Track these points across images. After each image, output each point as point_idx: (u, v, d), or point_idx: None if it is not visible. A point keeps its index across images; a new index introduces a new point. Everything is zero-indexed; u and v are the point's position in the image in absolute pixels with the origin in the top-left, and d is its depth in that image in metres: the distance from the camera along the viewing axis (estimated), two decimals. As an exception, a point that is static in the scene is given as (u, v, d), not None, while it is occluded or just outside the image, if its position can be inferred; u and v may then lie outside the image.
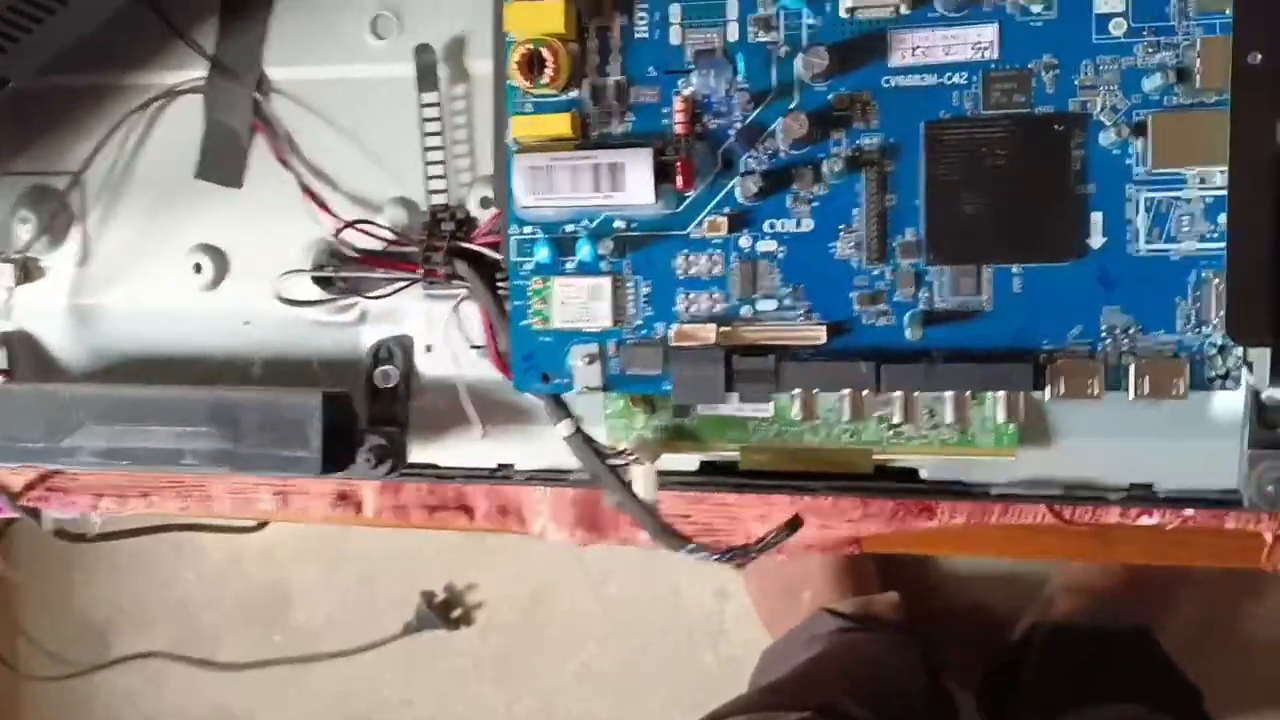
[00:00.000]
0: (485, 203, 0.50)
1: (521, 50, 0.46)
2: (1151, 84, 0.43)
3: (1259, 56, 0.40)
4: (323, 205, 0.50)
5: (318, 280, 0.50)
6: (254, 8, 0.51)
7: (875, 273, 0.45)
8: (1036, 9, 0.44)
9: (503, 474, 0.54)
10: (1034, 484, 0.49)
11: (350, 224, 0.49)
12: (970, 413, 0.46)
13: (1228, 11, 0.42)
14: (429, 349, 0.51)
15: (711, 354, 0.45)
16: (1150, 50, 0.43)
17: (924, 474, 0.51)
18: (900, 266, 0.45)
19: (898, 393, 0.44)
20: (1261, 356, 0.42)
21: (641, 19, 0.47)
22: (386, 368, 0.52)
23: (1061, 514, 0.51)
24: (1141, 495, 0.48)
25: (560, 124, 0.46)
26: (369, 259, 0.50)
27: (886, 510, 0.52)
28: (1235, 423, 0.45)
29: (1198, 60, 0.42)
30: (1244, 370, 0.43)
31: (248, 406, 0.49)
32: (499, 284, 0.49)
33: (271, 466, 0.49)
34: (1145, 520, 0.50)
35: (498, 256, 0.48)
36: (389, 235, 0.50)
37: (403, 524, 0.58)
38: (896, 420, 0.45)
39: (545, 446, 0.53)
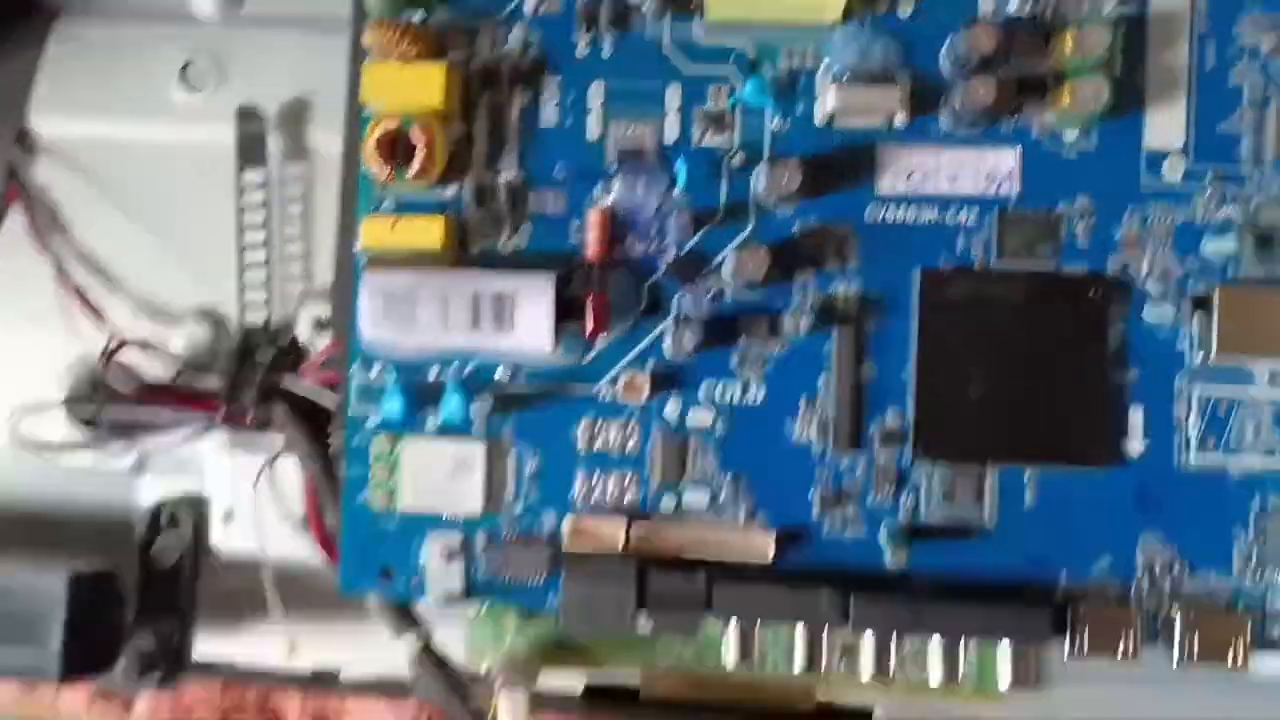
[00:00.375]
0: (320, 326, 0.37)
1: (383, 128, 0.33)
2: (1216, 247, 0.32)
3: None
4: (93, 310, 0.36)
5: (75, 416, 0.35)
6: (19, 40, 0.37)
7: (844, 465, 0.34)
8: (1070, 136, 0.33)
9: (322, 681, 0.40)
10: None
11: (126, 344, 0.35)
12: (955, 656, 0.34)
13: (1315, 162, 0.31)
14: (229, 516, 0.37)
15: (618, 566, 0.33)
16: (1215, 203, 0.32)
17: (879, 714, 0.39)
18: (878, 460, 0.33)
19: (869, 633, 0.32)
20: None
21: (551, 99, 0.34)
22: (167, 540, 0.38)
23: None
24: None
25: (429, 232, 0.34)
26: (151, 392, 0.36)
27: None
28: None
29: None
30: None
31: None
32: (329, 440, 0.35)
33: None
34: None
35: (331, 403, 0.35)
36: (182, 361, 0.36)
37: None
38: (865, 671, 0.32)
39: (381, 649, 0.39)
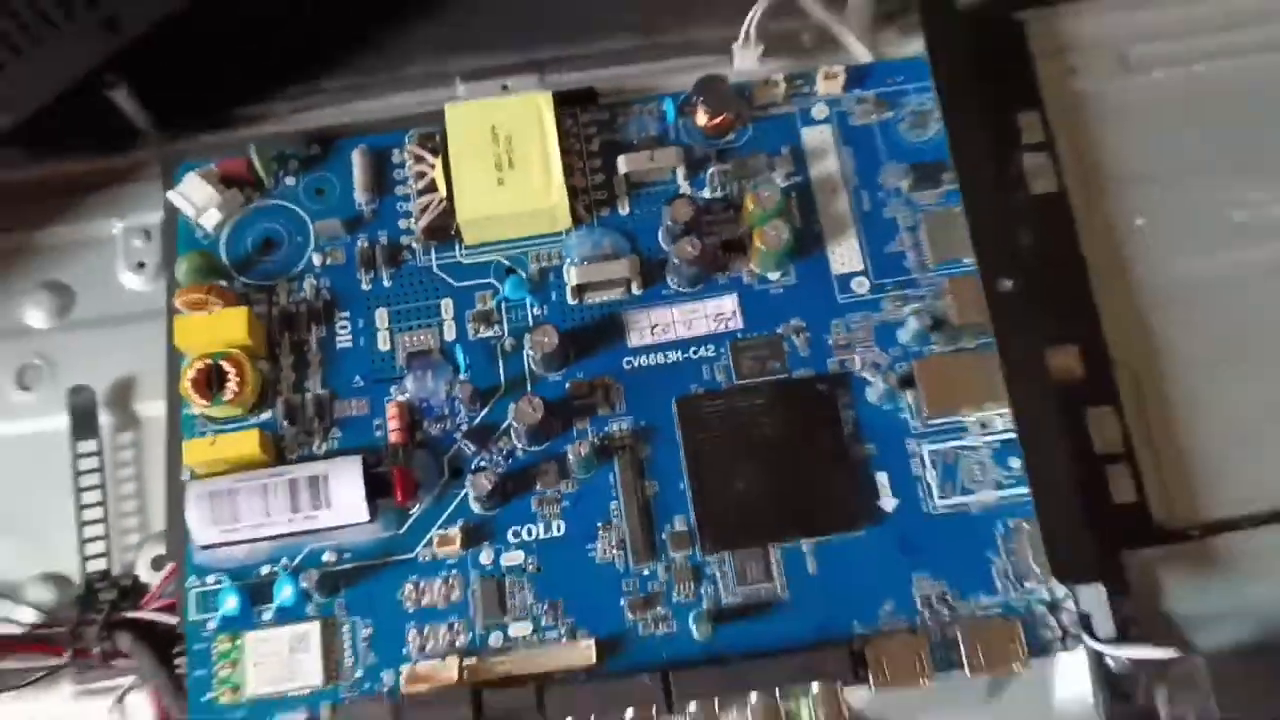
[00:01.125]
0: (158, 563, 0.42)
1: (197, 367, 0.40)
2: (907, 334, 0.41)
3: (1008, 284, 0.40)
4: None
5: None
6: None
7: (646, 573, 0.39)
8: (774, 276, 0.43)
9: None
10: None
11: None
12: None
13: (965, 260, 0.42)
14: None
15: (454, 694, 0.37)
16: (898, 304, 0.42)
17: None
18: (674, 561, 0.39)
19: (692, 706, 0.37)
20: (1096, 602, 0.38)
21: (345, 326, 0.43)
22: None
23: None
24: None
25: (247, 442, 0.40)
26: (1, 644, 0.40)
27: None
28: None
29: (950, 300, 0.41)
30: (1084, 635, 0.38)
31: None
32: (175, 660, 0.40)
33: None
34: None
35: (173, 620, 0.40)
36: (28, 616, 0.40)
37: None
38: (699, 744, 0.37)
39: None
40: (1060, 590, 0.39)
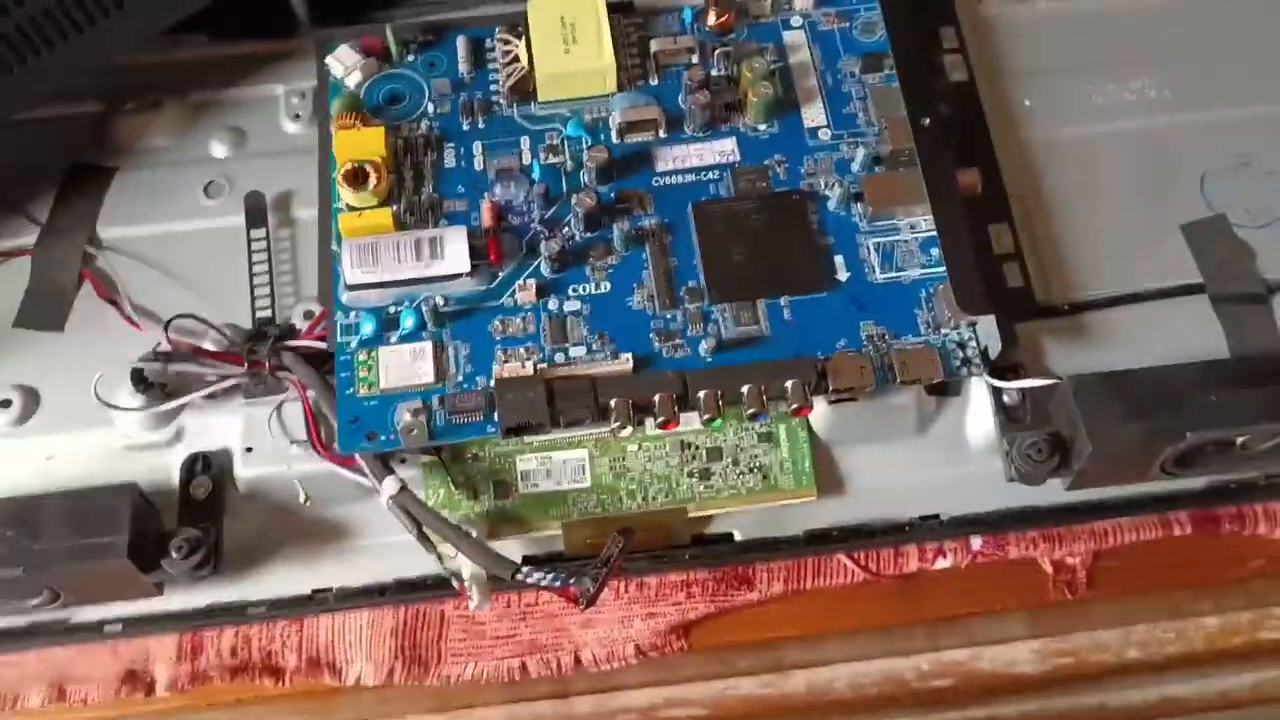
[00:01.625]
0: (309, 315, 0.51)
1: (348, 165, 0.50)
2: (857, 163, 0.52)
3: (926, 120, 0.50)
4: (142, 328, 0.49)
5: (139, 385, 0.48)
6: (91, 184, 0.54)
7: (669, 316, 0.49)
8: (763, 127, 0.53)
9: (319, 599, 0.49)
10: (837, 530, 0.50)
11: (177, 316, 0.49)
12: (770, 457, 0.47)
13: (898, 113, 0.52)
14: (249, 450, 0.49)
15: (532, 383, 0.46)
16: (852, 146, 0.52)
17: (738, 536, 0.50)
18: (689, 310, 0.49)
19: (702, 393, 0.46)
20: (991, 337, 0.48)
21: (451, 153, 0.52)
22: (201, 478, 0.49)
23: (868, 566, 0.51)
24: (931, 527, 0.50)
25: (383, 217, 0.50)
26: (198, 352, 0.49)
27: (709, 589, 0.51)
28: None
29: (886, 134, 0.51)
30: (986, 376, 0.47)
31: (47, 506, 0.45)
32: (325, 373, 0.49)
33: (73, 557, 0.44)
34: (941, 563, 0.51)
35: (323, 346, 0.49)
36: (214, 335, 0.49)
37: (202, 705, 0.51)
38: (704, 417, 0.46)
39: (361, 568, 0.49)
40: (967, 334, 0.49)
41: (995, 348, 0.47)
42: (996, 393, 0.48)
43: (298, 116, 0.55)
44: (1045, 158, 0.53)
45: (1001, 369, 0.48)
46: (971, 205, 0.51)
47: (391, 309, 0.48)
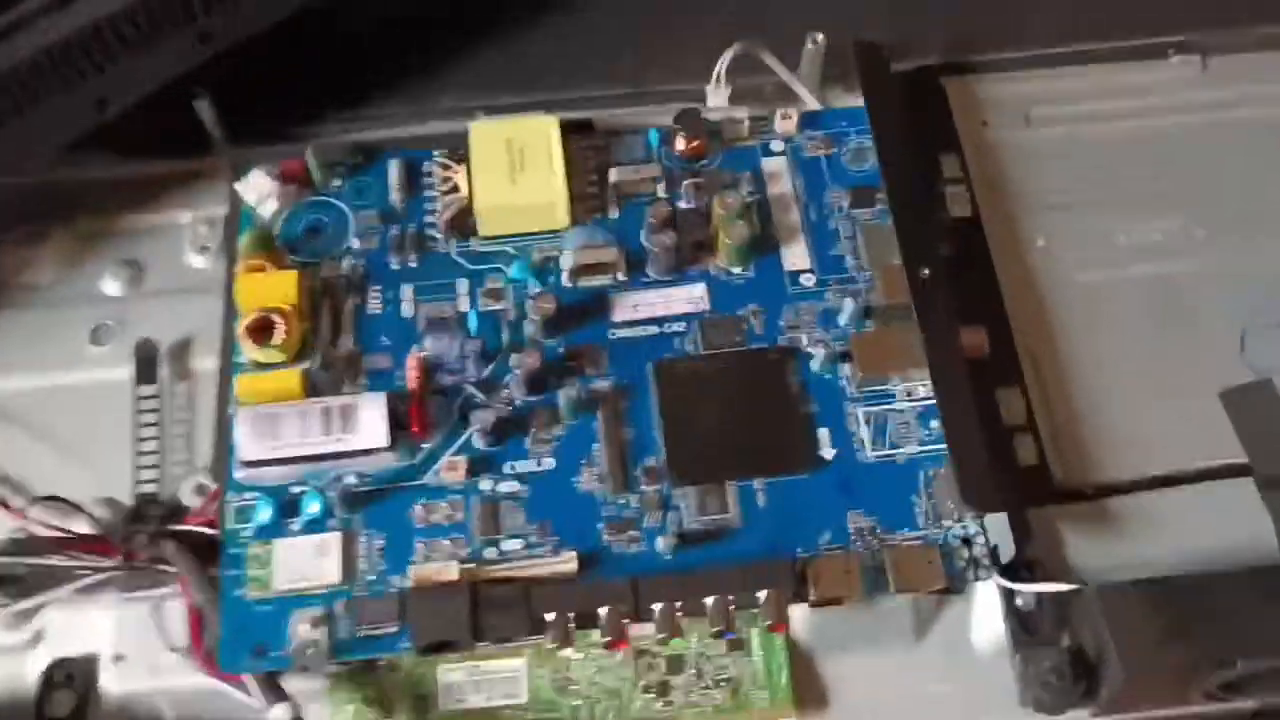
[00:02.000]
0: (201, 490, 0.43)
1: (252, 317, 0.43)
2: (845, 316, 0.44)
3: (926, 271, 0.43)
4: (2, 503, 0.42)
5: None
6: None
7: (621, 502, 0.41)
8: (737, 270, 0.46)
9: None
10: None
11: (40, 499, 0.41)
12: (741, 668, 0.40)
13: (893, 262, 0.45)
14: (120, 659, 0.41)
15: (454, 590, 0.39)
16: (839, 294, 0.45)
17: None
18: (645, 493, 0.41)
19: (658, 606, 0.38)
20: (1002, 535, 0.40)
21: (374, 298, 0.45)
22: (63, 691, 0.41)
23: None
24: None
25: (290, 379, 0.42)
26: (60, 543, 0.41)
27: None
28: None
29: (879, 285, 0.44)
30: (995, 575, 0.40)
31: None
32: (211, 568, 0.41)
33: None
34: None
35: (212, 533, 0.41)
36: (83, 520, 0.42)
37: None
38: (659, 637, 0.38)
39: None
40: (973, 528, 0.41)
41: (1007, 550, 0.39)
42: (1008, 595, 0.41)
43: (205, 249, 0.48)
44: (1061, 308, 0.46)
45: (1014, 566, 0.40)
46: (977, 364, 0.43)
47: (294, 490, 0.41)
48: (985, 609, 0.42)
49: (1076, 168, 0.49)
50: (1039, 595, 0.41)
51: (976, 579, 0.40)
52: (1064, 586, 0.40)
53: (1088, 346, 0.45)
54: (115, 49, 0.42)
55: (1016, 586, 0.41)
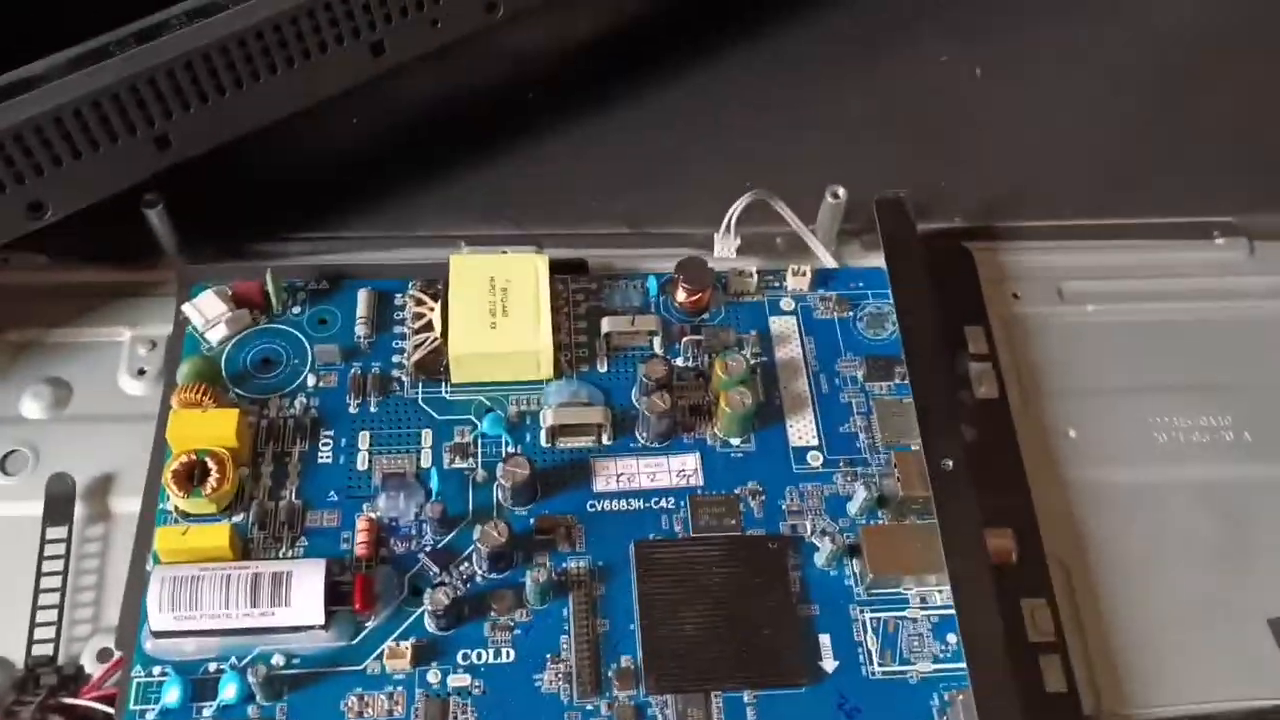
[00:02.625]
0: (104, 655, 0.38)
1: (182, 459, 0.38)
2: (855, 505, 0.40)
3: (949, 463, 0.39)
4: None
5: None
6: None
7: (590, 708, 0.36)
8: (736, 441, 0.41)
9: None
10: None
11: None
12: None
13: (912, 445, 0.40)
14: None
15: (385, 809, 0.33)
16: (849, 478, 0.40)
17: None
18: (618, 699, 0.36)
19: (626, 844, 0.33)
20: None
21: (326, 445, 0.40)
22: None
23: None
24: None
25: (218, 536, 0.37)
26: None
27: None
28: None
29: (896, 474, 0.40)
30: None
31: None
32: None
33: None
34: None
35: (109, 711, 0.35)
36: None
37: None
38: None
39: None
40: (991, 767, 0.36)
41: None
42: None
43: (142, 372, 0.43)
44: (1093, 509, 0.42)
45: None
46: (1000, 572, 0.38)
47: (212, 667, 0.35)
48: None
49: (1112, 351, 0.45)
50: None
51: (995, 832, 0.35)
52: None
53: (1123, 557, 0.41)
54: (58, 149, 0.37)
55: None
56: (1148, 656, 0.39)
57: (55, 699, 0.36)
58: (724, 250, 0.45)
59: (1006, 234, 0.48)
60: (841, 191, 0.45)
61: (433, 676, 0.36)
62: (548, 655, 0.37)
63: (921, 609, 0.38)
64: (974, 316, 0.46)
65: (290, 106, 0.42)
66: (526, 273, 0.42)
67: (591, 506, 0.40)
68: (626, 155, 0.48)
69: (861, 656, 0.37)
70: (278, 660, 0.36)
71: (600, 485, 0.40)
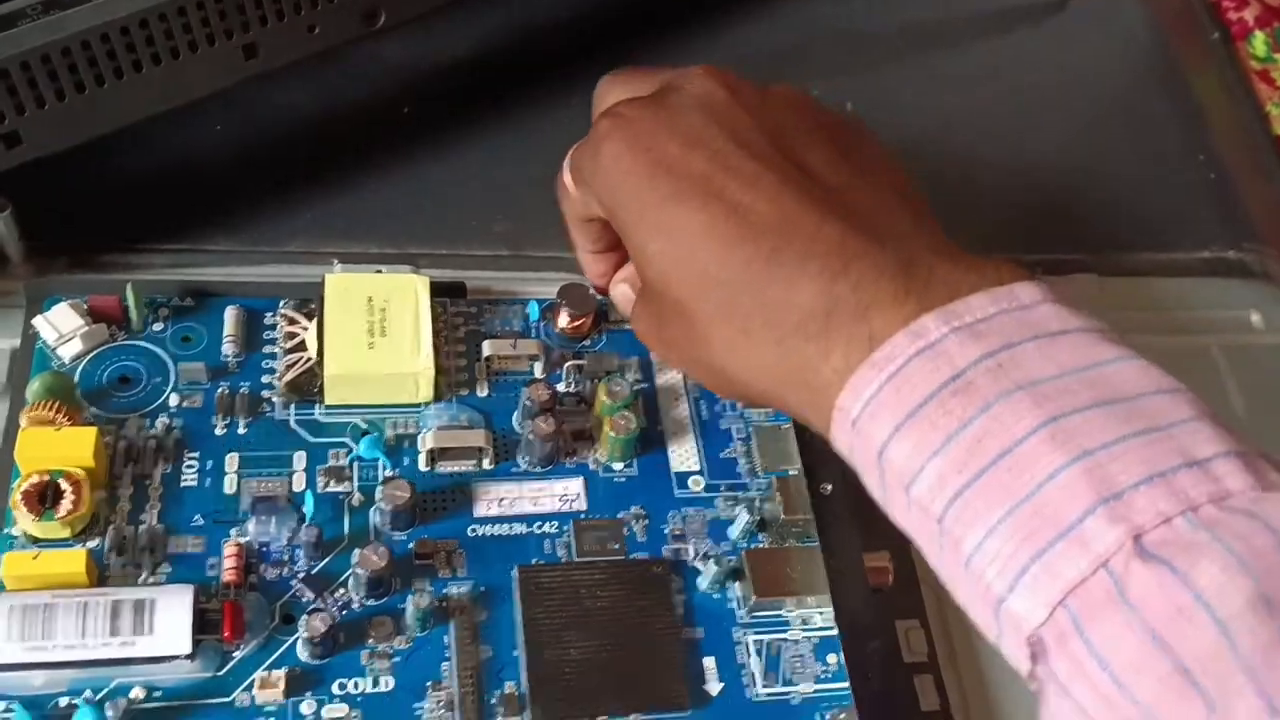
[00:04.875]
0: (-61, 692, 0.35)
1: (32, 480, 0.36)
2: (737, 529, 0.41)
3: (829, 487, 0.41)
4: None
5: None
6: None
7: (472, 736, 0.36)
8: (619, 466, 0.42)
9: None
10: None
11: None
12: None
13: (791, 470, 0.42)
14: None
15: (257, 847, 0.32)
16: (730, 503, 0.42)
17: None
18: (502, 727, 0.36)
19: None
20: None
21: (192, 466, 0.39)
22: None
23: None
24: None
25: (73, 562, 0.36)
26: None
27: None
28: None
29: (777, 498, 0.41)
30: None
31: None
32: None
33: None
34: None
35: (-54, 753, 0.33)
36: None
37: None
38: None
39: None
40: (872, 785, 0.37)
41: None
42: None
43: (-16, 389, 0.40)
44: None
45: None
46: (878, 594, 0.40)
47: (63, 702, 0.33)
48: None
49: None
50: None
51: None
52: None
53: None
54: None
55: None
56: (1018, 678, 0.41)
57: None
58: (603, 277, 0.46)
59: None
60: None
61: (306, 707, 0.36)
62: (429, 683, 0.37)
63: (803, 630, 0.40)
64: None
65: (155, 107, 0.41)
66: (406, 293, 0.42)
67: (472, 531, 0.40)
68: (507, 176, 0.49)
69: (745, 679, 0.38)
70: (137, 693, 0.35)
71: (481, 510, 0.40)
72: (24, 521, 0.36)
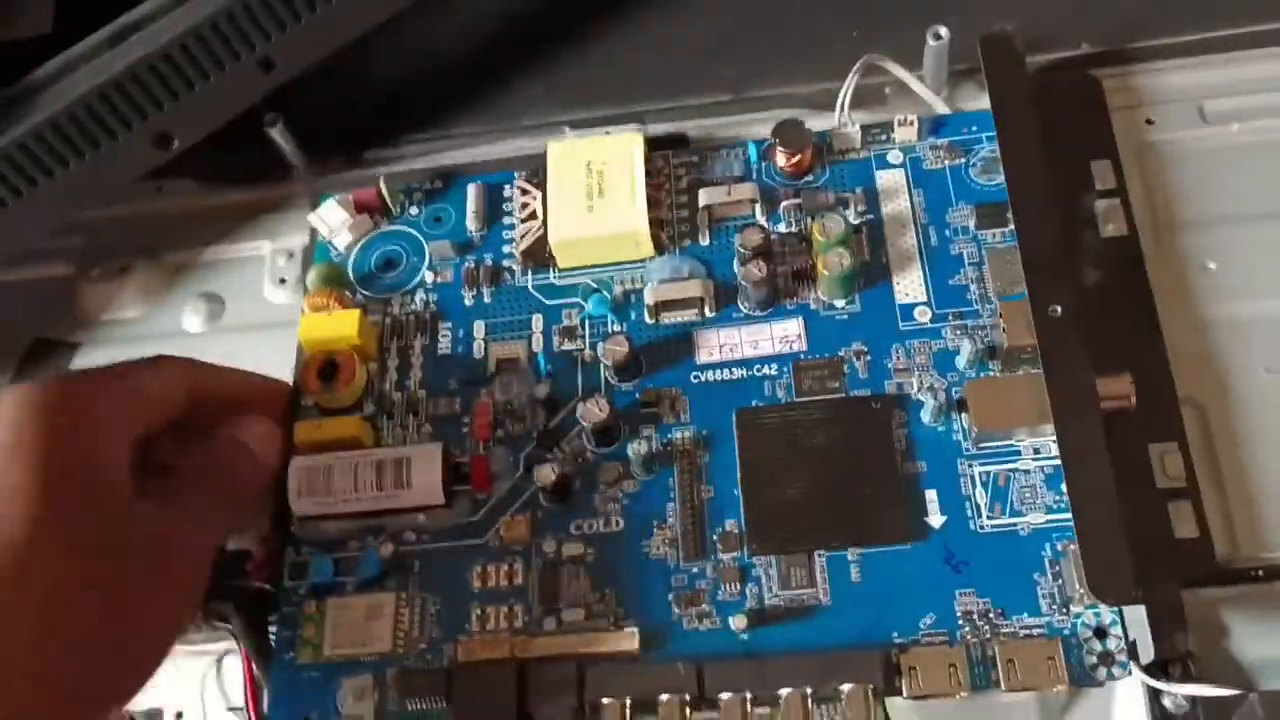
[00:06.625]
0: (266, 540, 0.42)
1: (314, 357, 0.41)
2: (963, 359, 0.39)
3: (1058, 309, 0.37)
4: None
5: None
6: (49, 365, 0.47)
7: (695, 570, 0.37)
8: (840, 304, 0.41)
9: None
10: None
11: None
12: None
13: (1020, 291, 0.39)
14: (179, 717, 0.40)
15: (501, 670, 0.36)
16: (959, 332, 0.40)
17: None
18: (722, 561, 0.37)
19: (725, 696, 0.34)
20: (1143, 629, 0.34)
21: (445, 337, 0.43)
22: None
23: None
24: None
25: (351, 426, 0.40)
26: None
27: None
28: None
29: (1002, 324, 0.38)
30: (1140, 672, 0.34)
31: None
32: (269, 623, 0.39)
33: None
34: None
35: (266, 586, 0.39)
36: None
37: None
38: (727, 732, 0.34)
39: None
40: (1108, 617, 0.35)
41: (1149, 647, 0.33)
42: (1154, 695, 0.34)
43: (283, 281, 0.47)
44: (1234, 347, 0.39)
45: (1163, 662, 0.34)
46: (1122, 418, 0.37)
47: (351, 547, 0.39)
48: (1127, 706, 0.36)
49: (1259, 173, 0.42)
50: (1192, 698, 0.34)
51: (1111, 678, 0.34)
52: (1223, 691, 0.34)
53: (1264, 396, 0.38)
54: (173, 83, 0.40)
55: (1165, 687, 0.35)
56: (1292, 499, 0.37)
57: (221, 581, 0.41)
58: (844, 125, 0.44)
59: (1138, 55, 0.45)
60: (944, 31, 0.43)
61: (548, 546, 0.39)
62: (655, 522, 0.38)
63: (1034, 459, 0.38)
64: (1101, 150, 0.43)
65: (386, 11, 0.44)
66: (622, 153, 0.43)
67: (695, 378, 0.41)
68: (725, 20, 0.48)
69: (969, 511, 0.37)
70: (409, 536, 0.39)
71: (703, 357, 0.41)
72: (310, 394, 0.41)
